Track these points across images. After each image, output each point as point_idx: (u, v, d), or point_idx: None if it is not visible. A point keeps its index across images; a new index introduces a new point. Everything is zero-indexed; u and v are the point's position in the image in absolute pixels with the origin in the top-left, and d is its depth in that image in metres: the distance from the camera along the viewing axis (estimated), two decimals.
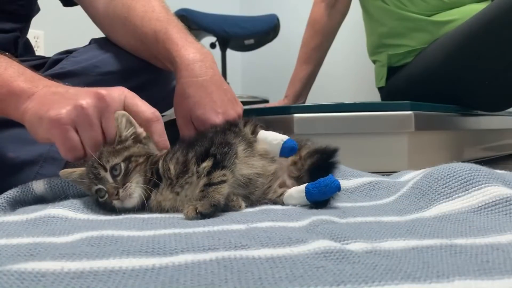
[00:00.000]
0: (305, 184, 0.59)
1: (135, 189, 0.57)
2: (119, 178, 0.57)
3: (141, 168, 0.58)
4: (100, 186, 0.57)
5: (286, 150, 0.60)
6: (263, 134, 0.65)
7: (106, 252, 0.38)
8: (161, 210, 0.58)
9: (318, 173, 0.60)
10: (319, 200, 0.58)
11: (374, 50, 1.55)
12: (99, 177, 0.57)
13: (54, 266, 0.33)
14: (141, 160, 0.58)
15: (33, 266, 0.32)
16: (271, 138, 0.63)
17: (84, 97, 0.58)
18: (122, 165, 0.57)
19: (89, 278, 0.32)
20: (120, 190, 0.56)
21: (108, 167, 0.57)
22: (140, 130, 0.61)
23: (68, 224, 0.50)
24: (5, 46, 0.84)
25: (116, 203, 0.57)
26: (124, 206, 0.57)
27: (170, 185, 0.58)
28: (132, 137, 0.60)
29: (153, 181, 0.58)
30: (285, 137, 0.63)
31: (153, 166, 0.59)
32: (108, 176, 0.57)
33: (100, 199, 0.58)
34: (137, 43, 0.83)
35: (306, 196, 0.58)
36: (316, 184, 0.58)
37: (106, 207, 0.58)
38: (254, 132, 0.66)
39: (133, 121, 0.60)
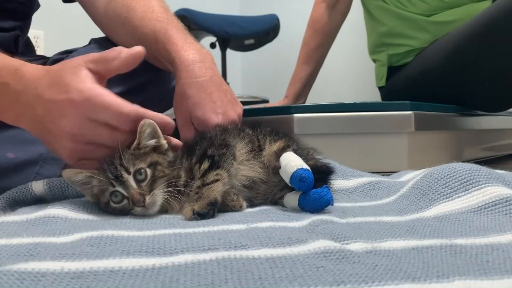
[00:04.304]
0: (300, 193, 0.57)
1: (159, 198, 0.55)
2: (144, 184, 0.54)
3: (166, 178, 0.56)
4: (118, 189, 0.54)
5: (296, 181, 0.55)
6: (285, 156, 0.60)
7: (106, 252, 0.38)
8: (167, 213, 0.58)
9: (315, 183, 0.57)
10: (311, 212, 0.56)
11: (374, 49, 1.56)
12: (121, 180, 0.54)
13: (54, 266, 0.33)
14: (168, 172, 0.57)
15: (33, 266, 0.32)
16: (286, 163, 0.58)
17: (72, 125, 0.55)
18: (148, 171, 0.55)
19: (89, 278, 0.32)
20: (147, 197, 0.54)
21: (132, 170, 0.54)
22: (164, 142, 0.59)
23: (68, 224, 0.50)
24: (6, 44, 0.84)
25: (138, 210, 0.54)
26: (145, 214, 0.55)
27: (179, 193, 0.57)
28: (152, 147, 0.58)
29: (173, 191, 0.56)
30: (300, 166, 0.56)
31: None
32: (131, 180, 0.54)
33: (114, 204, 0.55)
34: (136, 43, 0.83)
35: (298, 206, 0.57)
36: (307, 197, 0.56)
37: (120, 214, 0.55)
38: (283, 151, 0.60)
39: (159, 132, 0.58)
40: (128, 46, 0.86)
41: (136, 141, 0.56)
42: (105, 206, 0.56)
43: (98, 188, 0.56)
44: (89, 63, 0.57)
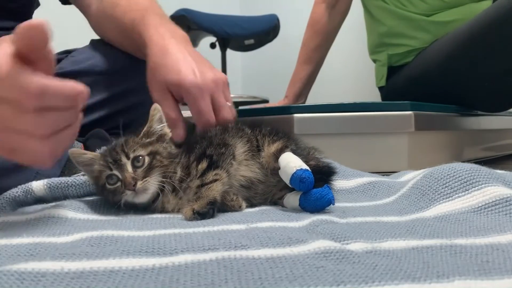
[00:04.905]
0: (301, 193, 0.57)
1: (151, 186, 0.56)
2: (140, 170, 0.56)
3: (163, 168, 0.57)
4: (115, 172, 0.56)
5: (296, 182, 0.56)
6: (283, 157, 0.59)
7: (106, 252, 0.38)
8: (164, 212, 0.58)
9: (315, 182, 0.57)
10: (312, 212, 0.56)
11: (374, 49, 1.56)
12: (119, 163, 0.56)
13: (54, 266, 0.33)
14: (166, 162, 0.58)
15: (33, 266, 0.32)
16: (285, 164, 0.58)
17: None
18: (146, 158, 0.57)
19: (89, 278, 0.32)
20: (139, 182, 0.55)
21: (131, 156, 0.56)
22: (167, 130, 0.61)
23: (68, 224, 0.50)
24: None
25: (129, 194, 0.55)
26: (135, 200, 0.56)
27: (174, 189, 0.58)
28: (159, 134, 0.60)
29: (166, 183, 0.57)
30: (299, 166, 0.56)
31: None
32: (128, 165, 0.56)
33: (109, 186, 0.56)
34: (121, 36, 0.82)
35: (299, 206, 0.57)
36: (308, 197, 0.56)
37: (113, 197, 0.57)
38: (281, 152, 0.60)
39: (164, 118, 0.60)
40: (115, 42, 0.86)
41: (147, 124, 0.59)
42: (101, 189, 0.58)
43: (97, 170, 0.57)
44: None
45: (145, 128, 0.59)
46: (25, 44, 0.44)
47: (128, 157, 0.56)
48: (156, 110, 0.59)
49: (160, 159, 0.58)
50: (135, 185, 0.55)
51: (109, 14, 0.82)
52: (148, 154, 0.57)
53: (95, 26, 0.90)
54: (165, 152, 0.59)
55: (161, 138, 0.60)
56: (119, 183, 0.56)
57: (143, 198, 0.57)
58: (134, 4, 0.80)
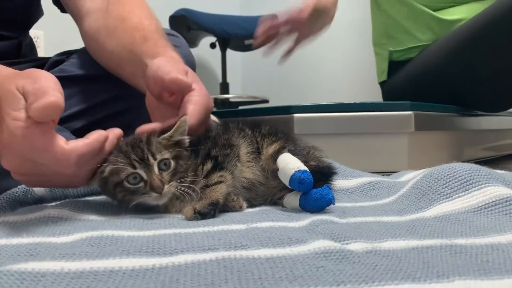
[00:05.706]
0: (300, 193, 0.57)
1: (173, 190, 0.56)
2: (165, 173, 0.55)
3: (182, 173, 0.57)
4: (139, 171, 0.54)
5: (295, 183, 0.56)
6: (281, 158, 0.59)
7: (106, 252, 0.38)
8: (167, 213, 0.58)
9: (315, 183, 0.57)
10: (312, 212, 0.56)
11: (377, 40, 1.54)
12: (146, 163, 0.54)
13: (54, 266, 0.33)
14: (185, 166, 0.57)
15: (33, 266, 0.32)
16: (283, 165, 0.58)
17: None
18: (172, 162, 0.56)
19: (89, 278, 0.32)
20: (166, 186, 0.54)
21: (159, 158, 0.55)
22: (187, 139, 0.59)
23: (68, 224, 0.50)
24: (8, 50, 0.84)
25: (153, 196, 0.54)
26: (153, 203, 0.56)
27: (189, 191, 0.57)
28: (176, 141, 0.58)
29: (182, 187, 0.56)
30: (298, 168, 0.56)
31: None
32: (155, 166, 0.55)
33: (128, 185, 0.54)
34: (123, 54, 0.79)
35: (299, 206, 0.57)
36: (308, 197, 0.56)
37: (129, 196, 0.55)
38: (279, 153, 0.60)
39: (186, 132, 0.58)
40: (104, 63, 0.82)
41: (169, 133, 0.57)
42: (114, 187, 0.55)
43: (111, 169, 0.55)
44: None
45: (166, 135, 0.57)
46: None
47: (155, 158, 0.55)
48: (184, 122, 0.57)
49: (182, 164, 0.57)
50: (163, 188, 0.54)
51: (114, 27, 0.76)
52: (173, 158, 0.56)
53: (87, 46, 0.84)
54: (183, 155, 0.58)
55: (179, 142, 0.59)
56: (141, 184, 0.54)
57: (162, 201, 0.56)
58: (148, 27, 0.74)
